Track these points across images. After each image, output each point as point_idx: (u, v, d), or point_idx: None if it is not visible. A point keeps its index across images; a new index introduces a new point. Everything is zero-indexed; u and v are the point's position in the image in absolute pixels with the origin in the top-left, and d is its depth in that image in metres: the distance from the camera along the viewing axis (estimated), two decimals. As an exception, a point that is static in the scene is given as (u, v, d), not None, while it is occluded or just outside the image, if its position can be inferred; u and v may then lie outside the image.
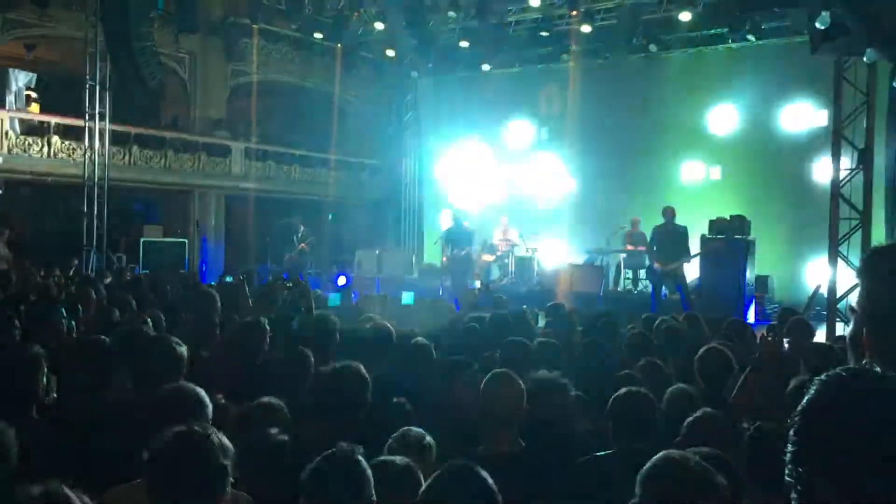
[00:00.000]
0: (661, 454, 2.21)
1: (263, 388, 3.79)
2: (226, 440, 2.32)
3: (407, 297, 11.76)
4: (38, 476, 1.98)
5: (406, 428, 3.22)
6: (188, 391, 3.03)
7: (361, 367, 3.64)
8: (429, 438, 3.17)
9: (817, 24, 8.79)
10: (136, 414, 3.07)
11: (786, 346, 4.85)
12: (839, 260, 10.74)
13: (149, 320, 5.59)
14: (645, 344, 5.46)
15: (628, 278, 15.90)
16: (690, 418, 3.32)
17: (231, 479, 2.28)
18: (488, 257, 17.07)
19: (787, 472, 1.11)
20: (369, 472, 2.47)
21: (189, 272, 14.51)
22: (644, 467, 2.18)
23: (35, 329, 4.95)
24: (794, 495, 1.10)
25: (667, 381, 4.40)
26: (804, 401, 1.12)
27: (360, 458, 2.49)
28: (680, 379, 4.46)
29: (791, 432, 1.11)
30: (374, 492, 2.44)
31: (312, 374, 4.22)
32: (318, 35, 18.42)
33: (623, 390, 3.55)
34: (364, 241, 21.33)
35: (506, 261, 17.08)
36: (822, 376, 1.13)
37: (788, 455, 1.11)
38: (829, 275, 10.79)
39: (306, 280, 11.31)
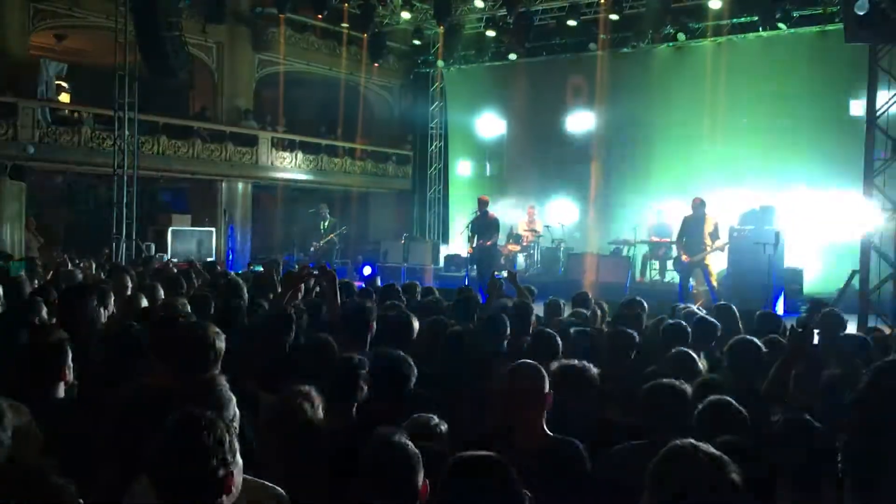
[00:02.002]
0: (669, 445, 2.13)
1: (291, 375, 3.79)
2: (221, 420, 2.24)
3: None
4: (62, 460, 1.98)
5: (417, 414, 3.21)
6: (206, 385, 2.98)
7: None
8: (440, 423, 3.17)
9: (856, 10, 8.64)
10: (158, 402, 3.06)
11: (816, 338, 4.76)
12: (872, 252, 10.60)
13: (178, 307, 5.60)
14: (674, 334, 5.37)
15: (655, 269, 15.79)
16: (700, 406, 3.24)
17: (233, 459, 2.18)
18: (514, 247, 17.02)
19: (840, 465, 1.07)
20: (419, 455, 2.49)
21: (216, 261, 14.61)
22: (653, 460, 2.13)
23: (67, 316, 4.97)
24: (847, 486, 1.07)
25: (697, 372, 4.33)
26: (856, 394, 1.08)
27: (409, 442, 2.51)
28: (711, 370, 4.40)
29: (845, 424, 1.08)
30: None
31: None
32: (344, 25, 18.44)
33: (654, 381, 3.48)
34: (390, 231, 21.36)
35: (532, 251, 17.01)
36: (870, 367, 1.09)
37: (842, 447, 1.07)
38: (861, 266, 10.64)
39: (333, 269, 11.31)
